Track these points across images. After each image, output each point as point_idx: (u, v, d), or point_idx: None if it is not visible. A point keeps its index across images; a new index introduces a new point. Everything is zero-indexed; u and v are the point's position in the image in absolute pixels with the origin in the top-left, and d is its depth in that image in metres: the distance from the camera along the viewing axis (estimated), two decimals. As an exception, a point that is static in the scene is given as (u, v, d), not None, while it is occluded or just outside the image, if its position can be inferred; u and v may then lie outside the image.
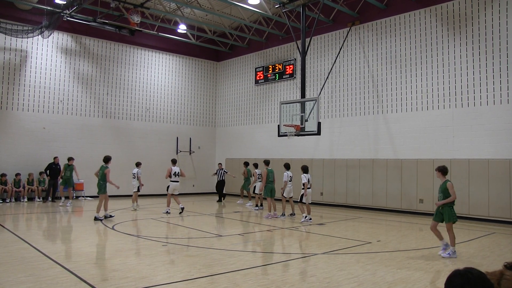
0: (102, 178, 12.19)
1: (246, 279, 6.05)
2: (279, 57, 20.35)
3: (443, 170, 8.27)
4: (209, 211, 15.50)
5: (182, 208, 13.78)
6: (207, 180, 23.07)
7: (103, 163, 12.40)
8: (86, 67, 19.20)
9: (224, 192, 19.06)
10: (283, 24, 19.49)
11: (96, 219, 11.84)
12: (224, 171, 18.70)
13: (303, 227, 11.55)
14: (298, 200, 12.61)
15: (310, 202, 12.64)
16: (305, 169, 12.50)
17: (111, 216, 12.37)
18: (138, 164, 15.31)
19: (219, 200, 18.57)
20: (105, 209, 12.37)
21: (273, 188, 13.78)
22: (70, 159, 16.23)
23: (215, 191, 23.12)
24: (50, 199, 17.01)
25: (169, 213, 13.64)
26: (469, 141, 13.55)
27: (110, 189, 12.66)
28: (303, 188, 12.31)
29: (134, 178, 15.06)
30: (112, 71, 19.99)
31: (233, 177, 19.74)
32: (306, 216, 12.45)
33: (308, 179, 12.43)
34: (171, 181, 13.82)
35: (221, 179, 18.57)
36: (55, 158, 16.95)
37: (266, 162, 14.18)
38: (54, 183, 16.99)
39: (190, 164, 22.04)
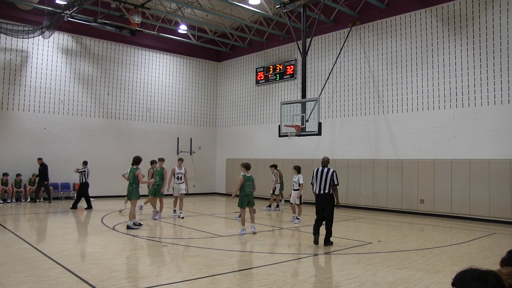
0: (134, 181, 10.78)
1: (247, 279, 6.06)
2: (279, 57, 20.35)
3: (246, 167, 9.81)
4: (210, 211, 15.50)
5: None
6: (208, 180, 23.09)
7: (133, 165, 10.87)
8: (86, 68, 19.21)
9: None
10: (284, 25, 19.48)
11: (128, 227, 10.45)
12: (88, 170, 15.19)
13: (304, 227, 11.54)
14: (299, 202, 12.51)
15: (294, 202, 12.59)
16: (298, 170, 12.58)
17: (140, 224, 10.83)
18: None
19: (74, 207, 14.76)
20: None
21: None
22: (154, 162, 13.32)
23: (215, 191, 23.25)
24: (28, 199, 16.91)
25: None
26: (470, 142, 13.55)
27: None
28: (297, 189, 12.30)
29: None
30: (112, 71, 20.00)
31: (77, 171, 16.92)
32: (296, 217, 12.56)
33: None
34: None
35: (84, 180, 15.04)
36: (39, 159, 16.67)
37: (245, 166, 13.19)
38: (45, 184, 16.63)
39: (191, 164, 22.02)
